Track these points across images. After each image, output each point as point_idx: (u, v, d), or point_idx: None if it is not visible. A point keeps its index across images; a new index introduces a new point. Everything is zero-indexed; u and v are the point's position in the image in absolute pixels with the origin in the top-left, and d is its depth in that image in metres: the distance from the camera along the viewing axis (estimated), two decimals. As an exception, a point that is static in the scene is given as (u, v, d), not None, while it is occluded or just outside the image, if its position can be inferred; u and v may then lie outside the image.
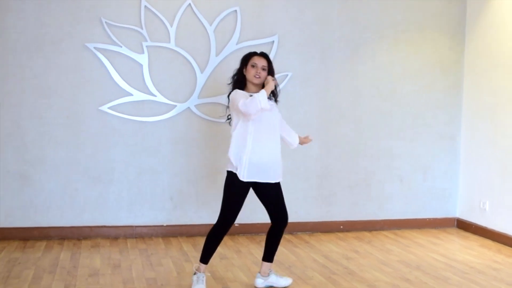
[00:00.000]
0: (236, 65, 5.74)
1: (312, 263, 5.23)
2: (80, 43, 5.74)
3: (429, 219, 6.66)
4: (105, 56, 5.79)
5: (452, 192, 6.75)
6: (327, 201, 6.41)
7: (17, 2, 5.60)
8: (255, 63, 4.34)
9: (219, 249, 5.37)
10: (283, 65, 6.13)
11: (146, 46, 5.85)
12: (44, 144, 5.75)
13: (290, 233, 6.20)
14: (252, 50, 5.77)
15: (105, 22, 5.73)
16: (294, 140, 4.66)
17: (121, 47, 5.80)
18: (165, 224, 6.02)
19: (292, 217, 5.94)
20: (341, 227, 6.41)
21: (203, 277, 4.39)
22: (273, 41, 6.10)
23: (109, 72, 5.80)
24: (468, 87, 6.62)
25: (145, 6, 5.80)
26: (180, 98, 5.97)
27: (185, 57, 5.94)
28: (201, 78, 5.97)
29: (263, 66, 4.35)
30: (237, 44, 6.03)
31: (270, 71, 4.41)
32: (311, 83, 6.27)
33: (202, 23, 5.96)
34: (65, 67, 5.75)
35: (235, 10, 6.01)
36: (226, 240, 5.81)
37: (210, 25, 5.97)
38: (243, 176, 4.26)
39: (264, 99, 4.10)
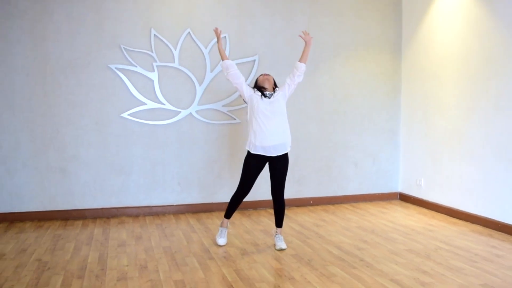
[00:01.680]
0: (225, 79, 5.92)
1: (290, 230, 5.49)
2: (104, 65, 5.92)
3: (378, 194, 7.00)
4: (124, 74, 5.98)
5: (394, 173, 7.08)
6: (298, 182, 6.70)
7: (54, 33, 5.78)
8: (263, 76, 4.83)
9: (218, 221, 5.82)
10: (263, 78, 6.53)
11: (156, 66, 6.06)
12: (78, 145, 5.93)
13: (271, 207, 6.39)
14: (239, 67, 6.07)
15: (123, 48, 5.95)
16: (299, 68, 4.83)
17: (136, 67, 6.01)
18: (175, 204, 6.24)
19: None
20: (311, 202, 6.72)
21: (225, 231, 4.91)
22: (255, 60, 6.38)
23: (127, 87, 5.99)
24: (404, 92, 6.95)
25: (154, 34, 6.02)
26: (183, 106, 6.18)
27: (186, 74, 6.16)
28: (199, 90, 6.20)
29: (267, 78, 4.79)
30: None
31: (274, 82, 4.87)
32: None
33: (199, 47, 6.19)
34: (93, 84, 5.92)
35: (225, 36, 6.24)
36: (222, 215, 6.04)
37: (206, 48, 6.21)
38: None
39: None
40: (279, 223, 4.93)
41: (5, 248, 4.87)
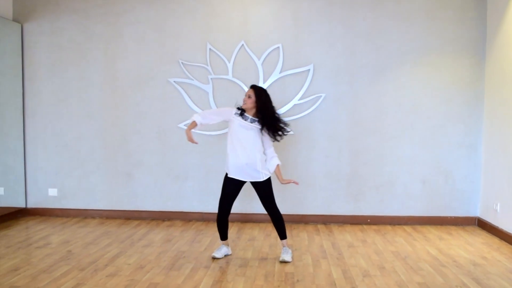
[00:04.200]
0: (279, 90, 6.26)
1: (316, 248, 5.25)
2: (165, 79, 6.44)
3: (451, 217, 6.20)
4: (181, 87, 6.41)
5: (473, 194, 6.20)
6: (355, 199, 6.32)
7: (123, 52, 6.50)
8: (246, 93, 4.78)
9: (254, 232, 5.90)
10: (318, 88, 6.27)
11: (211, 78, 6.37)
12: (142, 152, 6.55)
13: (324, 223, 6.32)
14: (293, 77, 6.24)
15: (182, 62, 6.39)
16: (270, 166, 4.77)
17: (193, 80, 6.40)
18: None
19: (325, 210, 6.32)
20: (368, 220, 6.29)
21: (224, 248, 4.95)
22: (309, 69, 6.25)
23: (185, 99, 6.41)
24: (488, 101, 6.01)
25: (210, 48, 6.34)
26: (237, 117, 6.48)
27: (239, 85, 6.33)
28: None
29: (249, 94, 4.72)
30: (280, 73, 6.28)
31: (259, 98, 4.68)
32: (341, 102, 6.27)
33: (252, 58, 6.31)
34: (155, 96, 6.48)
35: (278, 47, 6.28)
36: (259, 226, 6.20)
37: (259, 59, 6.31)
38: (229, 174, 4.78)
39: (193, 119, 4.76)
40: (281, 235, 4.86)
41: (155, 237, 5.72)
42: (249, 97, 4.70)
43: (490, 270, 4.56)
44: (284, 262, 4.75)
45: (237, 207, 6.29)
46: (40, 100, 6.71)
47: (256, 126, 4.70)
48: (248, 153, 4.67)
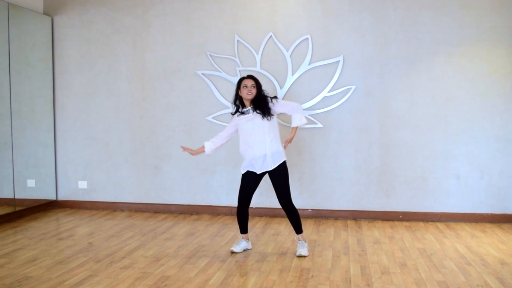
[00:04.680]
0: (308, 82, 6.37)
1: (340, 244, 5.30)
2: (192, 71, 6.62)
3: (487, 214, 6.13)
4: (209, 80, 6.57)
5: (510, 190, 6.10)
6: (386, 194, 6.34)
7: (151, 44, 6.72)
8: (246, 85, 4.83)
9: (280, 228, 6.00)
10: (348, 80, 6.32)
11: (239, 70, 6.51)
12: (170, 145, 6.76)
13: (354, 219, 6.39)
14: (322, 69, 6.34)
15: (209, 54, 6.55)
16: (294, 123, 4.89)
17: (221, 72, 6.55)
18: (254, 206, 6.51)
19: (355, 206, 6.40)
20: (400, 216, 6.30)
21: (243, 242, 5.08)
22: (339, 61, 6.29)
23: (212, 91, 6.57)
24: None
25: (238, 40, 6.47)
26: (265, 110, 6.61)
27: (268, 77, 6.43)
28: (280, 93, 6.42)
29: (253, 84, 4.83)
30: (309, 64, 6.35)
31: (259, 89, 4.86)
32: (372, 94, 6.30)
33: (281, 50, 6.41)
34: (182, 89, 6.68)
35: (307, 38, 6.35)
36: (287, 221, 6.22)
37: (287, 51, 6.40)
38: (242, 169, 4.94)
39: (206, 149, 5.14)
40: (297, 230, 4.97)
41: (179, 231, 5.93)
42: (254, 87, 4.84)
43: (522, 269, 4.50)
44: (301, 256, 4.86)
45: (265, 202, 6.53)
46: (70, 93, 7.02)
47: (253, 115, 4.85)
48: (261, 144, 4.81)
